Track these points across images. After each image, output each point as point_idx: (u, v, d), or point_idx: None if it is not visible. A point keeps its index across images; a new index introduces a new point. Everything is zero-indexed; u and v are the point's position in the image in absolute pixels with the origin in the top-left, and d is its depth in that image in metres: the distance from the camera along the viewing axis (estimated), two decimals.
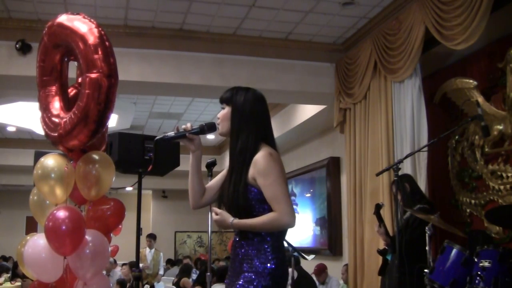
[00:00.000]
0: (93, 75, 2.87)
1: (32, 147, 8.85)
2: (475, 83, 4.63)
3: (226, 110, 2.36)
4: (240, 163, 2.26)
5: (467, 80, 4.72)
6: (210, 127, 2.38)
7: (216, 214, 2.28)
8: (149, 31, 5.86)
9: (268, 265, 2.19)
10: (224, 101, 2.38)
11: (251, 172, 2.22)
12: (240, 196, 2.22)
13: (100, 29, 2.98)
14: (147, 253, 9.23)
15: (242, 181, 2.23)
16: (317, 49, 6.30)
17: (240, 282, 2.18)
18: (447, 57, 5.08)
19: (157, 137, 2.39)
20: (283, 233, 2.33)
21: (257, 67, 6.15)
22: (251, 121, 2.32)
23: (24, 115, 8.45)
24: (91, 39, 2.90)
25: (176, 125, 2.40)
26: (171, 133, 2.36)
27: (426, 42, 4.71)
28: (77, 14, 3.08)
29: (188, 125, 2.37)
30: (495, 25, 4.22)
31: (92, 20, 3.03)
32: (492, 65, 4.52)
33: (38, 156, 3.36)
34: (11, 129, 9.99)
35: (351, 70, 5.97)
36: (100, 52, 2.89)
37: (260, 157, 2.22)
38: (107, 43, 2.95)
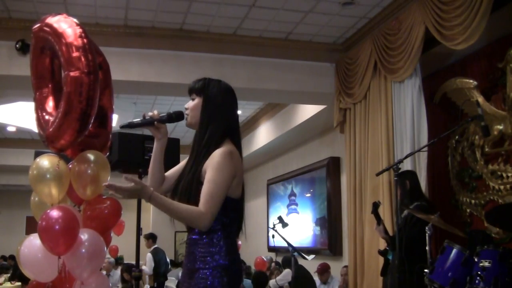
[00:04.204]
0: (73, 73, 2.88)
1: (32, 147, 8.82)
2: (475, 83, 4.63)
3: (197, 100, 2.31)
4: (203, 154, 2.23)
5: (467, 80, 4.72)
6: (178, 116, 2.34)
7: (133, 182, 2.04)
8: (149, 31, 5.86)
9: (222, 261, 2.17)
10: (195, 91, 2.32)
11: (206, 163, 2.20)
12: (194, 186, 2.19)
13: (79, 26, 2.98)
14: None
15: (198, 172, 2.20)
16: (317, 49, 6.30)
17: (196, 281, 2.17)
18: (447, 57, 5.08)
19: (123, 124, 2.34)
20: (234, 231, 2.28)
21: (257, 67, 6.15)
22: (221, 113, 2.29)
23: (24, 115, 8.45)
24: (70, 37, 2.91)
25: (143, 112, 2.37)
26: (138, 120, 2.33)
27: (426, 42, 4.71)
28: (59, 14, 3.09)
29: (155, 112, 2.34)
30: (495, 25, 4.22)
31: (73, 19, 3.03)
32: (492, 65, 4.51)
33: (38, 156, 3.36)
34: (11, 129, 9.99)
35: (351, 70, 5.97)
36: (79, 50, 2.89)
37: (219, 152, 2.18)
38: (85, 40, 2.95)
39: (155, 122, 2.33)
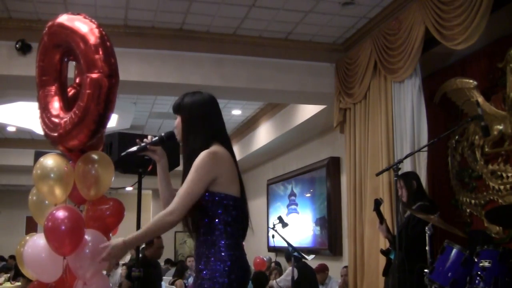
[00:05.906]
0: (94, 75, 2.88)
1: (32, 147, 8.85)
2: (475, 83, 4.63)
3: (178, 118, 2.41)
4: (190, 166, 2.28)
5: (467, 80, 4.72)
6: (169, 137, 2.46)
7: (104, 248, 2.21)
8: (149, 31, 5.86)
9: (222, 264, 2.20)
10: (175, 109, 2.44)
11: None
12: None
13: (101, 29, 2.98)
14: None
15: None
16: (317, 49, 6.30)
17: (199, 281, 2.22)
18: (447, 57, 5.08)
19: (122, 153, 2.52)
20: (238, 231, 2.31)
21: (257, 67, 6.15)
22: (198, 123, 2.35)
23: (24, 115, 8.45)
24: (92, 39, 2.91)
25: (137, 139, 2.50)
26: (134, 148, 2.47)
27: (426, 42, 4.71)
28: (78, 14, 3.08)
29: (149, 137, 2.48)
30: (495, 25, 4.22)
31: (93, 20, 3.03)
32: (492, 65, 4.52)
33: (38, 156, 3.36)
34: (11, 129, 10.00)
35: (351, 70, 5.97)
36: (100, 52, 2.90)
37: (201, 153, 2.25)
38: (108, 43, 2.95)
39: (148, 146, 2.45)
